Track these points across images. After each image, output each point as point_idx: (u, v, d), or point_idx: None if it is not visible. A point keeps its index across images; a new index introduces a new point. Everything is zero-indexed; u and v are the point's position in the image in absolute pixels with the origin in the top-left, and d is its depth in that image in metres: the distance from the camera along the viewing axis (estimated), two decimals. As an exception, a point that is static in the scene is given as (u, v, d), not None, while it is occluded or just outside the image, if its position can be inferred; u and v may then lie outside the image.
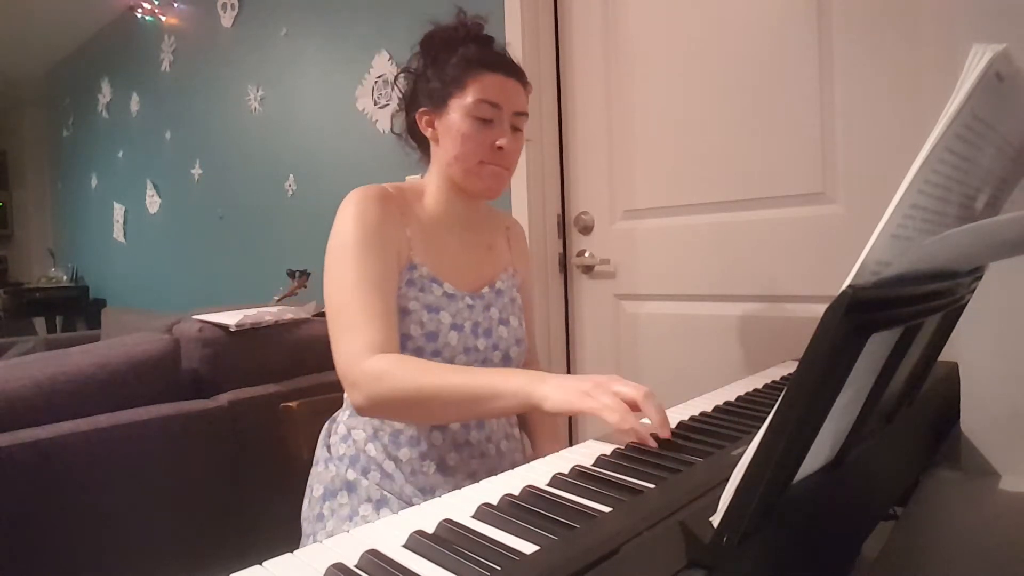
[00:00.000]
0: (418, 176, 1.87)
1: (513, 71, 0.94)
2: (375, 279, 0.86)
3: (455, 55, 0.93)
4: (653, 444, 0.62)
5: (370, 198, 0.91)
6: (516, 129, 0.94)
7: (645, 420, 0.65)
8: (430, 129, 0.96)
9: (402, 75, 1.01)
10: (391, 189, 0.94)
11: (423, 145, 1.02)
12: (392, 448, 0.93)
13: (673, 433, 0.63)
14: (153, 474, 1.29)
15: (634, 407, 0.65)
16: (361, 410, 0.83)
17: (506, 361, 0.99)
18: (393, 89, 1.06)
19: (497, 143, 0.92)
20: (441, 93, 0.93)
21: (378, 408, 0.81)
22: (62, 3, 3.86)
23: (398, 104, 1.03)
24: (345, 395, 1.01)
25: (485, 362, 0.96)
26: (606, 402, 0.64)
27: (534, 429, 1.14)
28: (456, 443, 0.95)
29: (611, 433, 0.69)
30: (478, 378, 0.75)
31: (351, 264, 0.86)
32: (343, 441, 0.96)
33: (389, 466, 0.93)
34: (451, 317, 0.93)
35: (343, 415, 0.99)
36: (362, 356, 0.81)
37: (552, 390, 0.68)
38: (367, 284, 0.85)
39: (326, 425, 1.02)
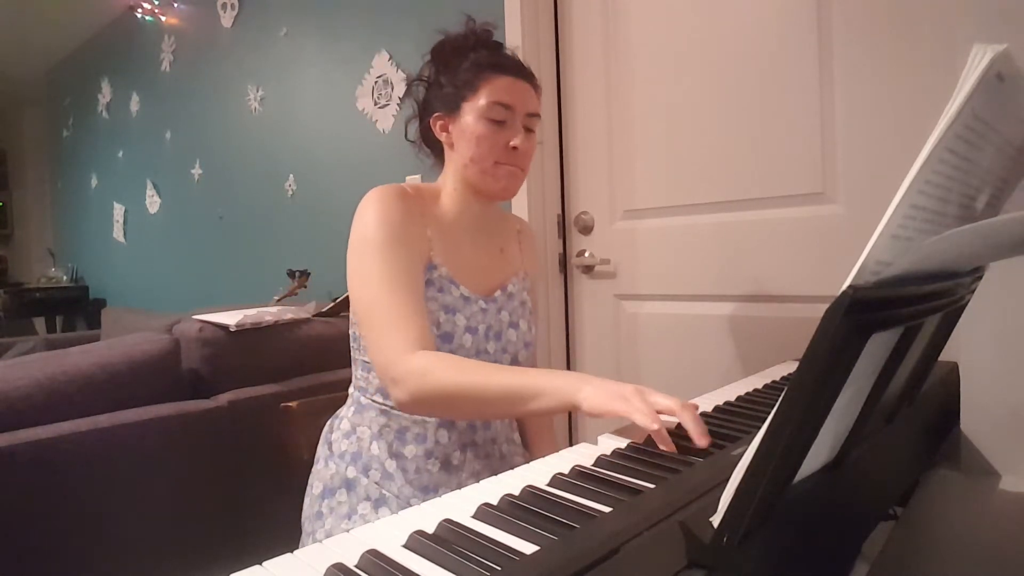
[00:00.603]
0: (418, 177, 1.86)
1: (523, 73, 0.96)
2: (406, 275, 0.87)
3: (466, 60, 0.95)
4: (673, 448, 0.61)
5: (392, 196, 0.91)
6: (529, 130, 0.96)
7: (666, 417, 0.65)
8: (444, 133, 0.98)
9: (414, 84, 1.03)
10: (410, 190, 0.95)
11: (436, 150, 1.04)
12: (397, 446, 0.93)
13: (673, 433, 0.63)
14: (153, 474, 1.29)
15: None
16: (403, 406, 0.83)
17: (514, 364, 1.00)
18: (405, 98, 1.07)
19: (511, 144, 0.93)
20: (454, 98, 0.95)
21: (420, 404, 0.82)
22: (62, 3, 3.86)
23: (412, 111, 1.05)
24: (350, 391, 1.01)
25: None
26: (639, 406, 0.64)
27: (532, 439, 1.14)
28: (462, 443, 0.95)
29: (623, 429, 0.69)
30: (521, 377, 0.75)
31: (380, 261, 0.87)
32: (346, 437, 0.96)
33: (391, 465, 0.93)
34: (466, 320, 0.94)
35: (347, 411, 1.00)
36: (403, 352, 0.81)
37: (593, 392, 0.69)
38: (399, 280, 0.86)
39: (328, 422, 1.02)
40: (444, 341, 0.91)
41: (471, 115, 0.93)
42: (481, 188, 0.96)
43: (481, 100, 0.92)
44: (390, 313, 0.84)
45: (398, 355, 0.81)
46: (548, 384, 0.72)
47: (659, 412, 0.64)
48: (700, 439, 0.61)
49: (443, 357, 0.81)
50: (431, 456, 0.93)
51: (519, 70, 0.96)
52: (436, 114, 0.98)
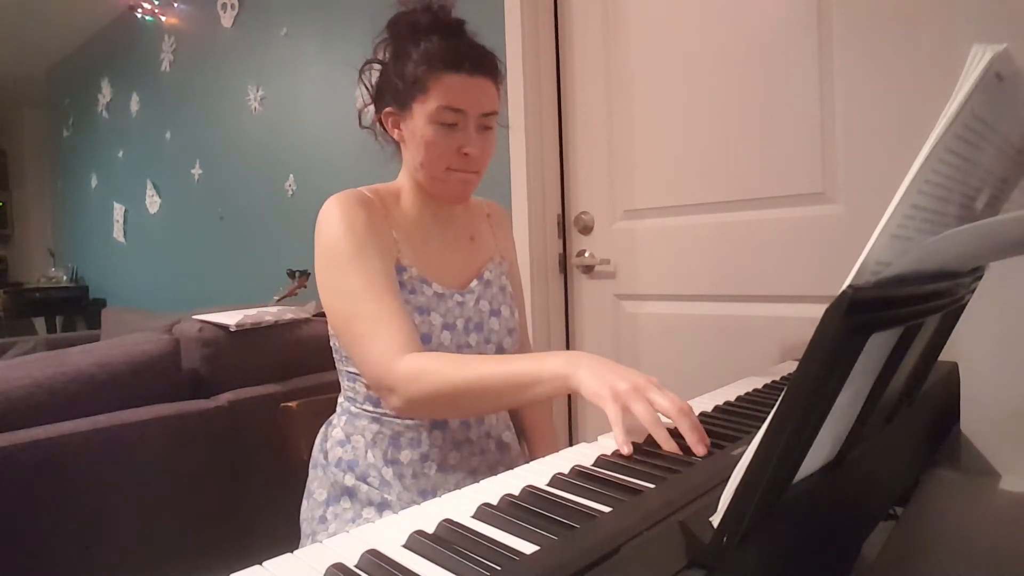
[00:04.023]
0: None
1: (480, 68, 0.87)
2: (382, 280, 0.85)
3: (417, 50, 0.87)
4: (678, 452, 0.60)
5: (353, 202, 0.88)
6: (485, 128, 0.90)
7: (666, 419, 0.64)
8: (396, 131, 0.93)
9: (367, 67, 0.97)
10: (368, 193, 0.92)
11: (395, 140, 0.98)
12: (392, 452, 0.93)
13: (673, 433, 0.63)
14: (153, 474, 1.29)
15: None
16: (401, 412, 0.82)
17: (500, 353, 0.98)
18: (359, 81, 1.00)
19: (463, 150, 0.88)
20: (404, 95, 0.89)
21: (417, 408, 0.81)
22: (62, 3, 3.86)
23: (365, 96, 0.99)
24: (340, 399, 1.00)
25: None
26: (636, 408, 0.63)
27: (532, 438, 1.13)
28: (456, 441, 0.95)
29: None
30: (516, 365, 0.73)
31: (351, 269, 0.84)
32: (340, 446, 0.95)
33: (388, 473, 0.92)
34: (442, 317, 0.92)
35: (339, 420, 0.98)
36: (392, 359, 0.79)
37: (588, 376, 0.67)
38: (377, 287, 0.84)
39: (322, 430, 1.01)
40: (423, 342, 0.88)
41: (421, 117, 0.87)
42: (432, 193, 0.93)
43: (431, 103, 0.85)
44: (371, 322, 0.82)
45: (387, 363, 0.79)
46: (543, 369, 0.71)
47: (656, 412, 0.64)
48: (696, 446, 0.59)
49: (434, 357, 0.79)
50: (427, 459, 0.93)
51: (475, 65, 0.86)
52: (387, 109, 0.92)
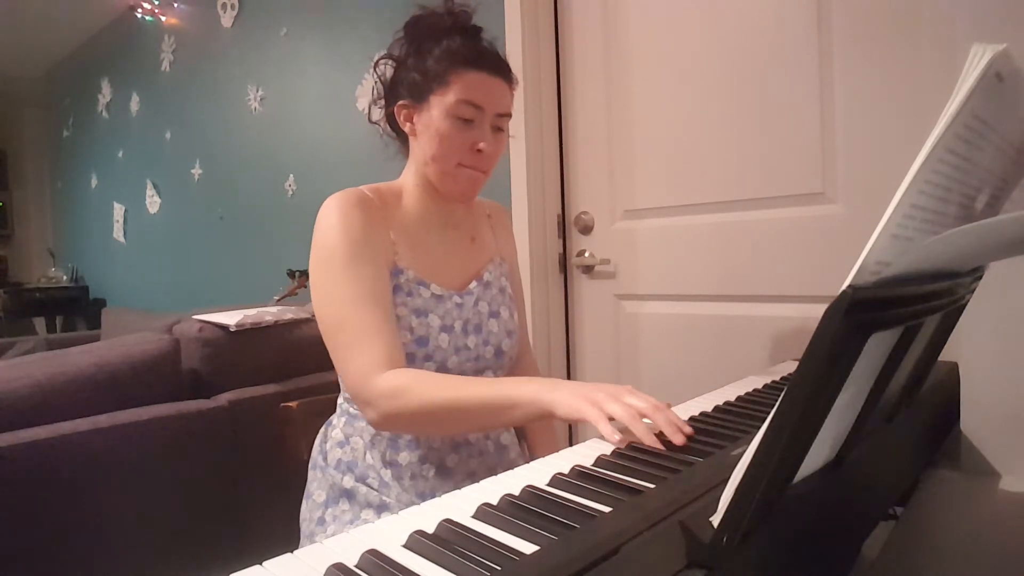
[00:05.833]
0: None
1: (499, 69, 0.90)
2: (372, 290, 0.85)
3: (439, 47, 0.88)
4: (659, 446, 0.61)
5: (351, 204, 0.88)
6: (498, 129, 0.91)
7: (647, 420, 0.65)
8: (408, 124, 0.93)
9: (382, 61, 0.97)
10: (368, 192, 0.91)
11: (402, 136, 0.99)
12: (391, 453, 0.92)
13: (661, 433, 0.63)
14: (152, 474, 1.29)
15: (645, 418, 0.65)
16: (376, 425, 0.82)
17: (499, 355, 0.98)
18: (372, 74, 1.01)
19: (477, 146, 0.88)
20: (422, 88, 0.89)
21: (393, 424, 0.81)
22: (62, 3, 3.86)
23: (377, 91, 0.99)
24: (340, 400, 1.00)
25: (478, 359, 0.95)
26: (614, 409, 0.64)
27: (532, 438, 1.13)
28: (455, 443, 0.94)
29: (623, 428, 0.69)
30: (494, 389, 0.74)
31: (344, 277, 0.84)
32: (340, 447, 0.95)
33: (386, 475, 0.92)
34: (440, 319, 0.92)
35: (338, 421, 0.98)
36: (373, 373, 0.80)
37: (564, 396, 0.69)
38: (365, 297, 0.84)
39: (321, 430, 1.01)
40: (420, 345, 0.89)
41: (438, 110, 0.87)
42: (439, 189, 0.93)
43: (450, 96, 0.86)
44: (355, 333, 0.82)
45: (366, 377, 0.80)
46: (519, 393, 0.72)
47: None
48: (674, 436, 0.61)
49: (414, 375, 0.80)
50: (425, 461, 0.92)
51: (495, 66, 0.89)
52: (401, 102, 0.92)
